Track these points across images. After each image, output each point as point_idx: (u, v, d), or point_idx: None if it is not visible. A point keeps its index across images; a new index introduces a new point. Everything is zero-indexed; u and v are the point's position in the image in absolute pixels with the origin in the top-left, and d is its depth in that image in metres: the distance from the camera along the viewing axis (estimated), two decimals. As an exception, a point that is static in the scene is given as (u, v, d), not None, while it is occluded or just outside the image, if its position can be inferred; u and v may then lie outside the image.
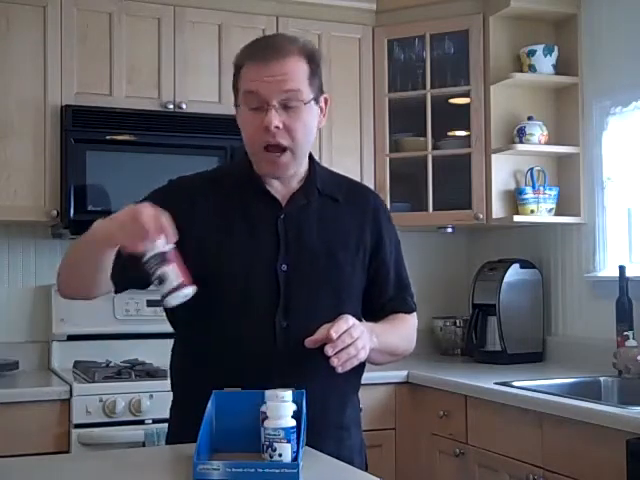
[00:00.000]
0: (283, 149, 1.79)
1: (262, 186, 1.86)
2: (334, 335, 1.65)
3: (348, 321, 1.70)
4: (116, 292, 1.86)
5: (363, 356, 1.72)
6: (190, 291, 1.59)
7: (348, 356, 1.68)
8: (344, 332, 1.68)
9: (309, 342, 1.69)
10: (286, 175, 1.85)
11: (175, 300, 1.58)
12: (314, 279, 1.84)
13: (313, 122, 1.84)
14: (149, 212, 1.57)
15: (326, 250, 1.86)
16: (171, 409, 1.97)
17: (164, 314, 1.95)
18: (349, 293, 1.89)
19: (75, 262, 1.79)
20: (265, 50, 1.79)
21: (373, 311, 1.94)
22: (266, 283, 1.81)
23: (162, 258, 1.57)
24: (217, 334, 1.81)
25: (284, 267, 1.82)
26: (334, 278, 1.86)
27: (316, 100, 1.82)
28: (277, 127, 1.75)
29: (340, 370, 1.68)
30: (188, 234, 1.75)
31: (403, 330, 1.98)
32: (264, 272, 1.81)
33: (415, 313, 2.03)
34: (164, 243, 1.57)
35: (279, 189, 1.87)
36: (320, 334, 1.69)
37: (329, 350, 1.65)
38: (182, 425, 1.84)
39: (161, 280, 1.57)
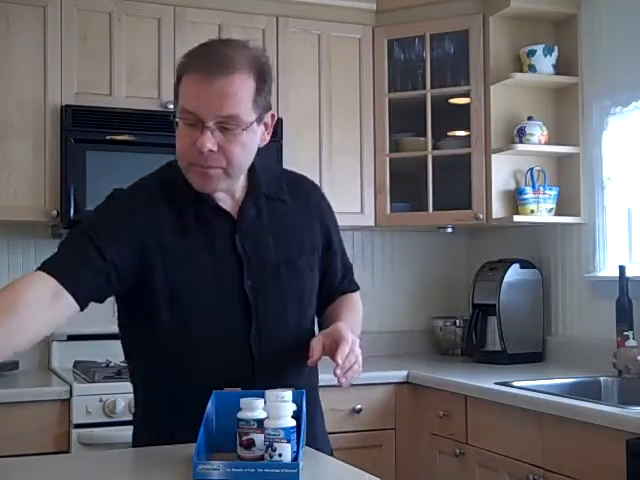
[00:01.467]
0: (210, 166, 1.72)
1: (213, 201, 1.80)
2: (340, 361, 1.67)
3: (348, 339, 1.72)
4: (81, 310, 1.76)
5: (361, 369, 1.75)
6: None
7: (353, 374, 1.71)
8: (349, 353, 1.70)
9: (312, 363, 1.71)
10: (216, 191, 1.78)
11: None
12: (278, 290, 1.84)
13: (253, 143, 1.75)
14: None
15: (284, 259, 1.85)
16: (136, 417, 1.96)
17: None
18: (310, 296, 1.91)
19: None
20: (210, 62, 1.67)
21: (326, 295, 1.97)
22: (235, 301, 1.79)
23: (259, 424, 1.53)
24: (188, 348, 1.78)
25: (249, 283, 1.80)
26: (296, 285, 1.87)
27: (259, 120, 1.73)
28: (211, 150, 1.68)
29: (344, 386, 1.70)
30: (155, 248, 1.75)
31: (358, 314, 2.02)
32: (232, 291, 1.79)
33: (359, 291, 2.07)
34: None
35: (226, 200, 1.82)
36: (318, 352, 1.71)
37: (338, 372, 1.67)
38: (148, 434, 1.85)
39: (249, 445, 1.53)
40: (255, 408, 1.54)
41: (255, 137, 1.75)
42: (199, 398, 1.63)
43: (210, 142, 1.67)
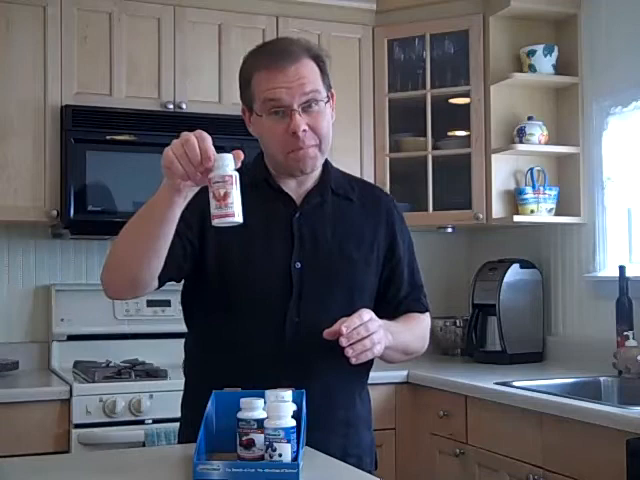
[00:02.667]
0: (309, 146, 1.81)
1: (277, 185, 1.88)
2: (344, 330, 1.67)
3: (363, 316, 1.71)
4: (157, 287, 1.81)
5: (379, 350, 1.73)
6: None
7: (363, 348, 1.69)
8: (359, 325, 1.69)
9: (327, 334, 1.70)
10: (314, 169, 1.86)
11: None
12: (327, 277, 1.86)
13: (331, 118, 1.87)
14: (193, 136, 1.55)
15: (340, 248, 1.88)
16: (182, 405, 1.97)
17: (174, 313, 1.96)
18: (361, 291, 1.90)
19: (133, 237, 1.68)
20: (275, 56, 1.81)
21: (387, 310, 1.95)
22: (280, 280, 1.83)
23: (259, 424, 1.52)
24: (230, 329, 1.83)
25: (298, 265, 1.84)
26: (347, 276, 1.88)
27: (328, 97, 1.86)
28: (304, 131, 1.78)
29: (354, 361, 1.69)
30: (213, 234, 1.81)
31: (417, 329, 2.00)
32: (279, 269, 1.84)
33: (428, 313, 2.05)
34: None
35: (294, 189, 1.89)
36: (337, 325, 1.70)
37: (343, 341, 1.67)
38: (193, 423, 1.85)
39: (249, 445, 1.52)
40: (255, 408, 1.55)
41: (330, 114, 1.87)
42: (244, 373, 1.69)
43: (302, 123, 1.78)
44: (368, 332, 1.70)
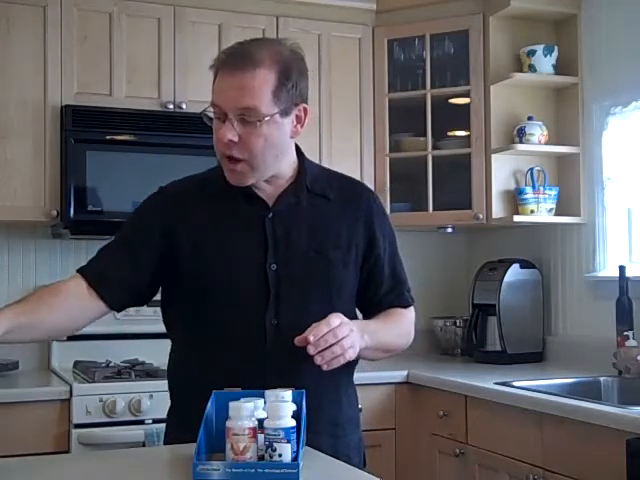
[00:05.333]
0: (238, 160, 1.78)
1: (249, 189, 1.85)
2: (311, 338, 1.67)
3: (331, 322, 1.71)
4: (119, 310, 1.87)
5: (351, 355, 1.73)
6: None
7: (333, 355, 1.69)
8: (328, 332, 1.68)
9: (298, 340, 1.70)
10: (245, 184, 1.83)
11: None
12: (304, 278, 1.84)
13: (278, 135, 1.78)
14: None
15: (316, 249, 1.86)
16: (168, 412, 1.97)
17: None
18: (340, 291, 1.89)
19: None
20: (235, 58, 1.76)
21: (370, 307, 1.96)
22: (256, 283, 1.82)
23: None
24: (210, 334, 1.83)
25: (273, 266, 1.83)
26: (324, 276, 1.86)
27: (286, 112, 1.77)
28: (231, 141, 1.75)
29: (325, 368, 1.69)
30: (185, 237, 1.83)
31: (399, 326, 1.98)
32: (254, 272, 1.82)
33: (412, 307, 2.03)
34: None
35: (266, 189, 1.87)
36: (306, 333, 1.69)
37: (311, 349, 1.67)
38: (179, 428, 1.85)
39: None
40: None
41: (281, 130, 1.78)
42: (225, 378, 1.68)
43: (230, 133, 1.74)
44: (336, 338, 1.69)
